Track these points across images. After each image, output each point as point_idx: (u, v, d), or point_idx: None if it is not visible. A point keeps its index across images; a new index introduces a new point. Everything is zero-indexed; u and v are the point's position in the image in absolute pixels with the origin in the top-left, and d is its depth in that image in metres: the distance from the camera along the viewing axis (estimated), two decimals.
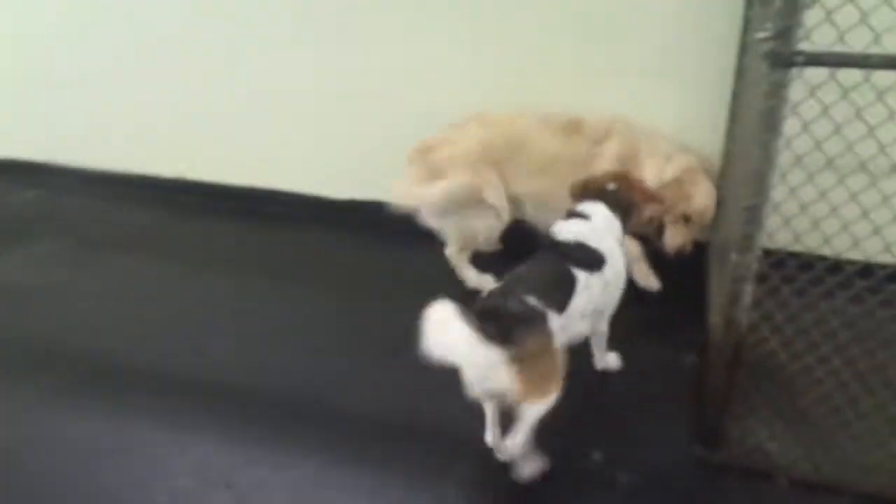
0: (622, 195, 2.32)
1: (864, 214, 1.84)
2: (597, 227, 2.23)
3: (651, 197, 2.43)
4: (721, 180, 3.01)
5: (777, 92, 1.66)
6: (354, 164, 3.54)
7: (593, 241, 2.16)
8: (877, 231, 1.83)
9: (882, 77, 1.63)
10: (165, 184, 4.13)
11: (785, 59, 1.61)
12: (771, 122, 1.70)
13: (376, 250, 3.39)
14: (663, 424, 2.34)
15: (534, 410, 1.93)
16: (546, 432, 2.31)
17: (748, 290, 1.92)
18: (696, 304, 2.87)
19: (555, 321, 1.94)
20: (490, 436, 2.16)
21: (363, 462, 2.24)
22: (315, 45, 3.44)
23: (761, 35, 1.77)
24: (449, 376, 2.14)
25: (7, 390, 2.63)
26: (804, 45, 1.65)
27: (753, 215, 1.80)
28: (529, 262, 2.13)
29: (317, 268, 3.38)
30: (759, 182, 1.76)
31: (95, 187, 4.28)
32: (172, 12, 3.65)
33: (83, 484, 2.21)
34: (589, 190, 2.35)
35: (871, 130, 1.76)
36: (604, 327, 2.42)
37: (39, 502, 2.16)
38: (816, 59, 1.60)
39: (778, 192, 1.80)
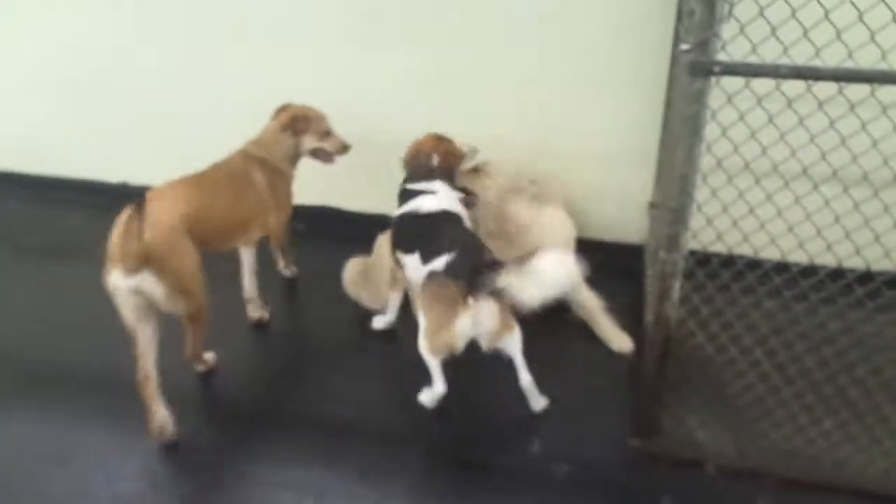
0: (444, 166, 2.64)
1: (779, 214, 1.96)
2: (443, 196, 2.54)
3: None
4: (655, 186, 3.15)
5: (698, 99, 1.78)
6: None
7: (451, 208, 2.50)
8: (790, 229, 1.96)
9: (791, 86, 1.75)
10: (107, 189, 4.06)
11: (704, 68, 1.73)
12: (693, 127, 1.81)
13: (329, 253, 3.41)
14: (600, 418, 2.44)
15: (516, 343, 2.31)
16: (483, 425, 2.40)
17: (676, 287, 2.03)
18: (634, 305, 3.00)
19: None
20: (441, 386, 2.35)
21: (312, 460, 2.26)
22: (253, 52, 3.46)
23: (683, 47, 1.89)
24: (391, 378, 2.21)
25: None
26: (721, 57, 1.77)
27: (679, 215, 1.91)
28: (434, 232, 2.38)
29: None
30: (684, 184, 1.88)
31: (32, 192, 4.17)
32: (115, 19, 3.62)
33: (26, 490, 2.18)
34: (421, 171, 2.63)
35: (783, 135, 1.90)
36: None
37: None
38: (732, 69, 1.73)
39: (701, 194, 1.92)
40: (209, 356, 2.65)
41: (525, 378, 2.37)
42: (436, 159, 2.63)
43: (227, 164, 2.70)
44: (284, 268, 3.25)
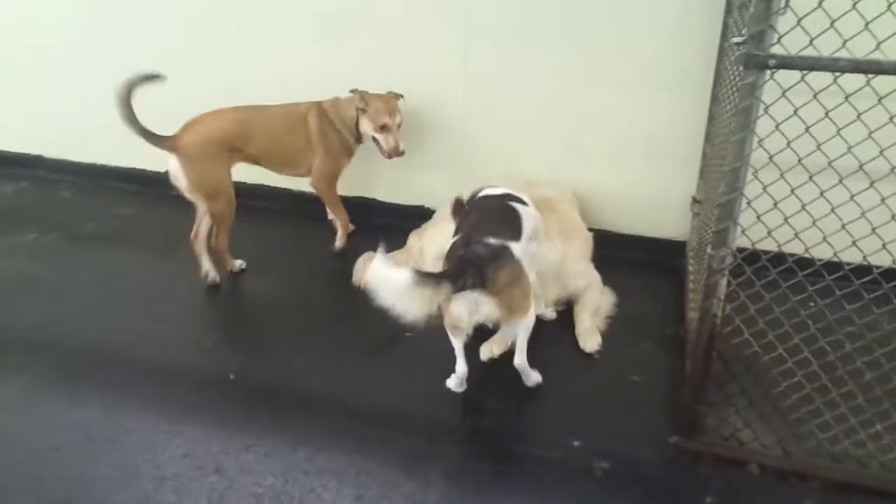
0: None
1: (832, 211, 1.92)
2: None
3: None
4: (699, 182, 3.11)
5: (751, 93, 1.75)
6: None
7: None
8: (843, 227, 1.91)
9: (849, 80, 1.71)
10: (154, 178, 4.15)
11: (758, 62, 1.70)
12: (745, 121, 1.78)
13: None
14: (641, 414, 2.42)
15: (522, 327, 2.34)
16: (523, 418, 2.40)
17: (723, 284, 2.00)
18: (675, 301, 2.97)
19: (517, 247, 2.29)
20: (461, 367, 2.43)
21: (351, 449, 2.29)
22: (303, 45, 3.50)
23: (737, 39, 1.86)
24: (429, 368, 2.21)
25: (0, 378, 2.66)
26: (776, 50, 1.74)
27: (728, 211, 1.88)
28: (474, 213, 2.47)
29: (299, 259, 3.44)
30: (734, 179, 1.85)
31: (82, 180, 4.30)
32: (167, 12, 3.69)
33: (74, 470, 2.24)
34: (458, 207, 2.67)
35: (839, 131, 1.85)
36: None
37: (30, 489, 2.18)
38: (788, 63, 1.69)
39: (751, 190, 1.89)
40: (238, 263, 3.28)
41: (518, 358, 2.43)
42: None
43: (290, 105, 3.22)
44: (337, 241, 3.51)
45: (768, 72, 1.72)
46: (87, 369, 2.71)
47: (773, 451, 2.17)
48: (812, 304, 2.04)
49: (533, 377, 2.50)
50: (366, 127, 3.16)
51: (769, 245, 1.96)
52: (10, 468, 2.26)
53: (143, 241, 3.68)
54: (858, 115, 1.83)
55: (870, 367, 2.10)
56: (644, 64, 3.02)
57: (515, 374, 2.54)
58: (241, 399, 2.54)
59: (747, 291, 2.05)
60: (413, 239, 3.24)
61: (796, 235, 1.93)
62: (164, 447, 2.31)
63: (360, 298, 3.05)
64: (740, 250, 1.98)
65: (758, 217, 1.91)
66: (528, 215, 2.52)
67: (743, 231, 1.94)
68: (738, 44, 1.88)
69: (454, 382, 2.48)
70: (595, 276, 2.99)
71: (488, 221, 2.37)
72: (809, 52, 1.76)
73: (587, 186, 3.33)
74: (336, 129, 3.20)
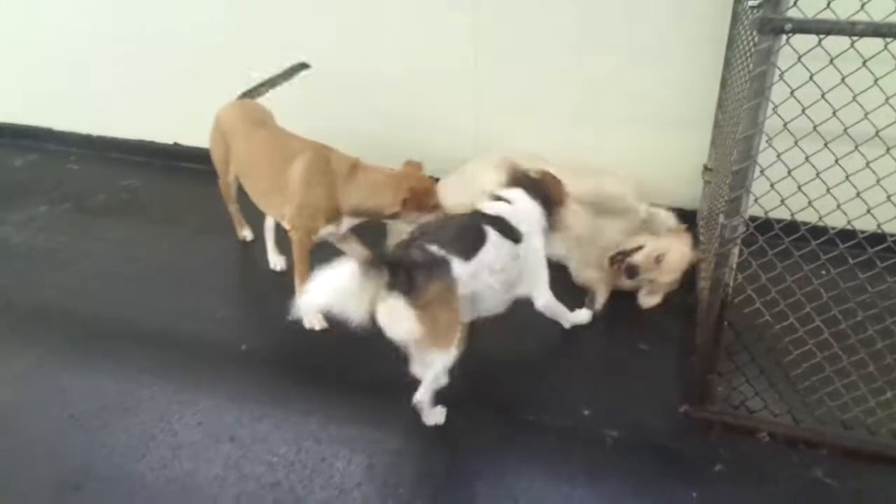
0: (542, 186, 2.43)
1: (847, 178, 1.89)
2: (517, 209, 2.34)
3: (565, 196, 2.51)
4: (711, 149, 3.07)
5: (766, 59, 1.71)
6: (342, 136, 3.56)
7: (513, 220, 2.29)
8: (858, 195, 1.89)
9: (867, 44, 1.67)
10: (160, 149, 4.16)
11: (774, 26, 1.66)
12: (759, 88, 1.75)
13: None
14: (651, 383, 2.43)
15: (438, 360, 2.09)
16: (534, 387, 2.41)
17: (734, 253, 1.99)
18: (686, 270, 2.95)
19: (460, 267, 2.07)
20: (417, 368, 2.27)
21: (363, 418, 2.32)
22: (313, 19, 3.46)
23: (752, 3, 1.82)
24: None
25: (13, 350, 2.69)
26: (793, 13, 1.70)
27: (741, 179, 1.86)
28: (444, 218, 2.30)
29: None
30: (747, 147, 1.82)
31: (90, 152, 4.30)
32: None
33: (91, 438, 2.28)
34: (513, 178, 2.47)
35: (856, 97, 1.82)
36: (546, 311, 2.51)
37: (48, 457, 2.22)
38: (804, 27, 1.65)
39: (764, 158, 1.86)
40: (246, 233, 3.26)
41: (419, 394, 2.19)
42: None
43: (285, 135, 2.78)
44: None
45: (784, 36, 1.69)
46: (101, 340, 2.74)
47: (782, 419, 2.18)
48: (824, 272, 2.03)
49: (432, 417, 2.25)
50: (413, 218, 2.54)
51: (782, 213, 1.95)
52: (28, 437, 2.30)
53: (152, 212, 3.69)
54: (876, 81, 1.80)
55: (882, 335, 2.10)
56: (654, 28, 2.96)
57: (525, 344, 2.55)
58: (253, 369, 2.56)
59: (759, 260, 2.04)
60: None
61: (810, 203, 1.92)
62: (179, 416, 2.34)
63: None
64: (753, 219, 1.97)
65: (771, 185, 1.89)
66: (498, 245, 2.22)
67: (756, 200, 1.92)
68: (753, 7, 1.85)
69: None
70: None
71: (445, 231, 2.15)
72: (826, 15, 1.72)
73: (596, 155, 3.28)
74: (332, 194, 2.55)
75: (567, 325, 2.64)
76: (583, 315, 2.69)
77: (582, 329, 2.66)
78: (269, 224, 3.08)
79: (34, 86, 4.26)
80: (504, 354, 2.59)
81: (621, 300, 2.81)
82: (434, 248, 2.04)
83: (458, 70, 3.33)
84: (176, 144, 4.13)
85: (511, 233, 2.26)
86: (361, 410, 2.35)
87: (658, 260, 2.73)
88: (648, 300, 2.80)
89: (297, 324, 2.68)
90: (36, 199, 3.79)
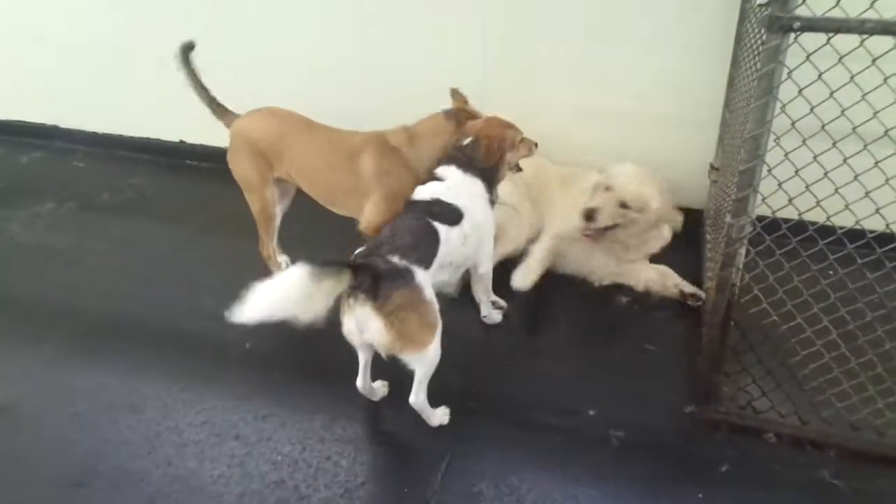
0: (474, 156, 2.42)
1: (856, 178, 1.88)
2: (451, 185, 2.37)
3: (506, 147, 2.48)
4: (717, 148, 3.05)
5: (774, 57, 1.70)
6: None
7: (448, 198, 2.33)
8: (867, 194, 1.87)
9: (876, 43, 1.66)
10: (166, 148, 4.16)
11: (783, 24, 1.65)
12: (767, 86, 1.74)
13: None
14: (657, 383, 2.42)
15: (418, 363, 2.11)
16: (540, 387, 2.41)
17: (741, 253, 1.98)
18: (691, 270, 2.95)
19: (422, 275, 2.08)
20: (360, 380, 2.31)
21: (367, 417, 2.32)
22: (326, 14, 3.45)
23: (761, 1, 1.81)
24: (447, 337, 2.21)
25: (19, 347, 2.69)
26: (801, 11, 1.69)
27: (748, 178, 1.85)
28: (395, 221, 2.27)
29: (322, 232, 3.42)
30: (755, 146, 1.81)
31: (96, 150, 4.31)
32: None
33: (96, 436, 2.29)
34: (443, 155, 2.48)
35: (864, 96, 1.80)
36: (481, 279, 2.59)
37: (54, 454, 2.23)
38: (813, 25, 1.64)
39: (772, 157, 1.85)
40: (282, 258, 2.99)
41: (413, 397, 2.18)
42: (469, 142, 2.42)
43: (342, 133, 2.67)
44: None
45: (792, 35, 1.67)
46: (105, 337, 2.74)
47: (789, 420, 2.17)
48: (832, 272, 2.02)
49: (435, 418, 2.26)
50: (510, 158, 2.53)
51: (790, 213, 1.93)
52: (33, 434, 2.31)
53: (158, 210, 3.69)
54: (885, 79, 1.78)
55: (890, 336, 2.09)
56: (661, 25, 2.95)
57: (530, 343, 2.54)
58: (257, 368, 2.56)
59: (766, 260, 2.02)
60: None
61: (818, 203, 1.90)
62: (184, 414, 2.35)
63: None
64: (760, 219, 1.95)
65: (779, 185, 1.88)
66: (449, 238, 2.25)
67: (763, 199, 1.91)
68: (761, 5, 1.83)
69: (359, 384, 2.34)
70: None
71: (402, 239, 2.12)
72: (835, 13, 1.71)
73: (602, 153, 3.27)
74: (408, 167, 2.56)
75: (483, 309, 2.68)
76: (495, 316, 2.70)
77: (587, 328, 2.65)
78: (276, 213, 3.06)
79: (41, 83, 4.28)
80: (509, 353, 2.58)
81: (627, 301, 2.80)
82: (396, 259, 2.04)
83: (465, 69, 3.32)
84: (181, 142, 4.14)
85: (452, 214, 2.30)
86: (366, 410, 2.35)
87: (623, 204, 2.74)
88: (654, 242, 2.84)
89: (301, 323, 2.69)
90: (42, 196, 3.80)
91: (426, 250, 2.16)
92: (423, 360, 2.11)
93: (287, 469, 2.14)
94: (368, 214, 2.58)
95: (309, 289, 1.79)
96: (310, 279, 1.78)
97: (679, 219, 3.03)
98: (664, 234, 2.94)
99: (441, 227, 2.24)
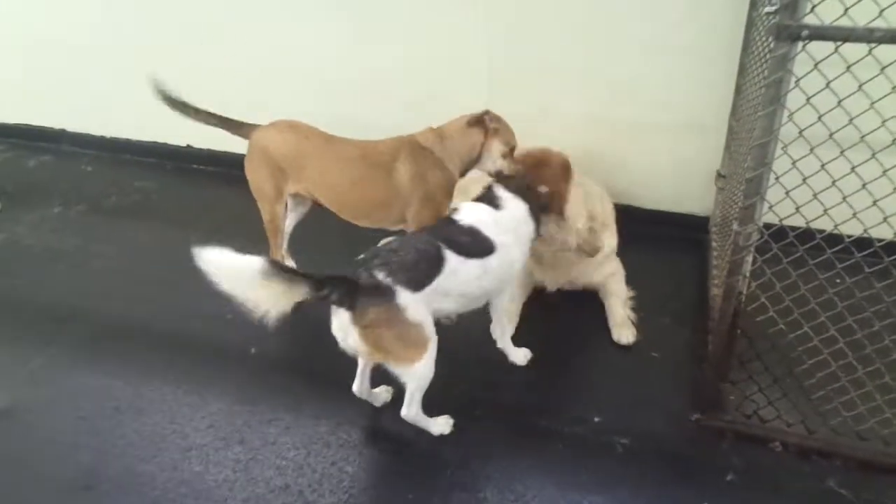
0: (540, 195, 2.39)
1: (864, 187, 1.87)
2: (504, 218, 2.29)
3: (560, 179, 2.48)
4: (724, 156, 3.05)
5: (782, 65, 1.70)
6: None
7: (490, 230, 2.23)
8: (875, 203, 1.87)
9: (885, 51, 1.65)
10: (173, 152, 4.18)
11: (791, 32, 1.65)
12: (775, 94, 1.74)
13: None
14: (662, 391, 2.41)
15: (406, 376, 2.10)
16: (543, 395, 2.40)
17: (748, 260, 1.98)
18: (697, 277, 2.94)
19: (406, 296, 2.01)
20: (356, 384, 2.31)
21: (373, 424, 2.32)
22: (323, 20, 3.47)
23: (769, 9, 1.80)
24: (453, 344, 2.20)
25: (25, 350, 2.70)
26: (810, 20, 1.69)
27: (755, 186, 1.85)
28: (412, 235, 2.22)
29: (325, 236, 3.43)
30: (762, 154, 1.81)
31: (103, 154, 4.33)
32: None
33: (102, 439, 2.29)
34: (513, 181, 2.41)
35: (873, 104, 1.80)
36: (499, 315, 2.49)
37: (60, 457, 2.23)
38: (822, 34, 1.64)
39: (779, 165, 1.85)
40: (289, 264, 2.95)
41: (404, 410, 2.18)
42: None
43: (369, 145, 2.62)
44: None
45: (800, 43, 1.67)
46: (112, 340, 2.75)
47: (796, 429, 2.16)
48: (840, 281, 2.01)
49: (436, 427, 2.25)
50: (495, 152, 2.55)
51: (797, 221, 1.93)
52: (40, 437, 2.31)
53: (164, 214, 3.70)
54: (894, 88, 1.77)
55: None
56: (668, 33, 2.95)
57: (536, 350, 2.54)
58: (262, 373, 2.56)
59: (773, 268, 2.02)
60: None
61: (826, 211, 1.89)
62: (189, 418, 2.35)
63: None
64: (767, 226, 1.95)
65: (786, 193, 1.88)
66: (458, 271, 2.14)
67: (770, 207, 1.90)
68: (769, 14, 1.83)
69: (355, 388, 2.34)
70: (620, 266, 2.89)
71: (398, 256, 2.07)
72: (843, 21, 1.71)
73: (607, 160, 3.28)
74: (441, 166, 2.55)
75: (499, 343, 2.56)
76: (521, 355, 2.57)
77: (592, 337, 2.65)
78: (285, 226, 3.07)
79: (49, 88, 4.30)
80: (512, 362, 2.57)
81: (635, 312, 2.79)
82: (381, 275, 2.00)
83: (472, 72, 3.33)
84: (189, 147, 4.15)
85: (479, 247, 2.20)
86: (371, 415, 2.35)
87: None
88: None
89: (307, 327, 2.69)
90: (50, 200, 3.82)
91: (421, 273, 2.07)
92: (411, 376, 2.10)
93: (292, 474, 2.14)
94: (418, 223, 2.55)
95: (255, 281, 1.82)
96: (259, 273, 1.81)
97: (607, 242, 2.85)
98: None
99: (452, 257, 2.13)
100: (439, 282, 2.10)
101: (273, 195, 2.70)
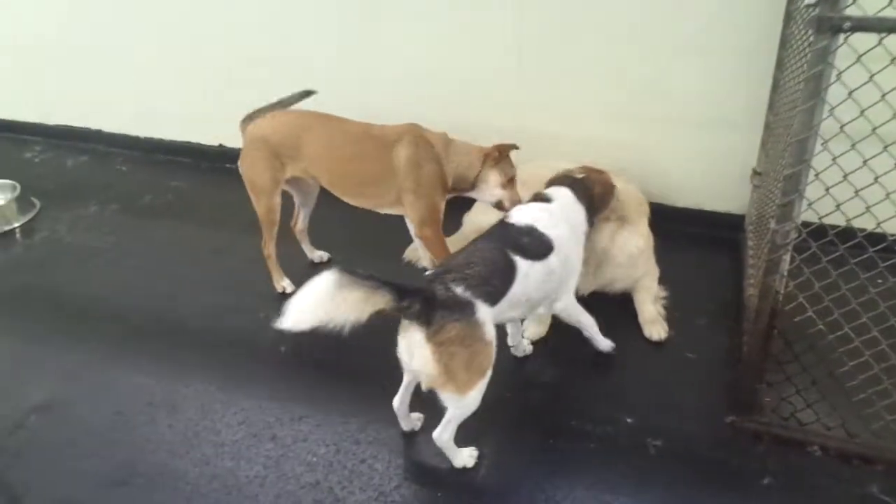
0: (589, 186, 2.39)
1: None
2: (554, 211, 2.27)
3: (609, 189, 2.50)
4: (760, 153, 2.99)
5: (823, 59, 1.65)
6: None
7: (545, 227, 2.19)
8: None
9: None
10: (205, 151, 4.24)
11: (832, 25, 1.60)
12: (815, 89, 1.70)
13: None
14: (696, 392, 2.37)
15: (453, 404, 1.99)
16: (576, 394, 2.37)
17: (786, 259, 1.93)
18: (733, 277, 2.89)
19: (485, 311, 1.95)
20: (397, 399, 2.21)
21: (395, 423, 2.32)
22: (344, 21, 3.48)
23: (808, 1, 1.76)
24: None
25: (63, 346, 2.76)
26: (852, 11, 1.64)
27: (794, 183, 1.80)
28: (475, 244, 2.14)
29: (354, 234, 3.45)
30: (801, 150, 1.77)
31: (138, 154, 4.41)
32: None
33: (137, 434, 2.33)
34: (558, 177, 2.44)
35: None
36: (559, 315, 2.42)
37: (96, 451, 2.27)
38: (864, 25, 1.59)
39: (818, 161, 1.80)
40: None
41: (437, 432, 2.06)
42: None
43: (375, 126, 2.71)
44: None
45: (842, 36, 1.62)
46: (146, 337, 2.79)
47: (836, 432, 2.10)
48: (881, 280, 1.95)
49: (459, 459, 2.14)
50: (493, 180, 2.63)
51: (837, 219, 1.87)
52: (76, 432, 2.36)
53: (198, 213, 3.75)
54: None
55: None
56: (704, 28, 2.90)
57: (567, 349, 2.51)
58: (294, 370, 2.59)
59: (812, 268, 1.97)
60: (467, 219, 3.20)
61: (868, 209, 1.84)
62: (222, 415, 2.37)
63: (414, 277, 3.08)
64: (805, 224, 1.90)
65: (826, 190, 1.83)
66: (528, 275, 2.10)
67: (810, 204, 1.86)
68: (809, 6, 1.78)
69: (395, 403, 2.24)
70: (653, 266, 2.82)
71: (473, 269, 1.99)
72: (888, 13, 1.65)
73: (642, 157, 3.23)
74: (438, 163, 2.63)
75: (589, 335, 2.49)
76: (606, 343, 2.52)
77: (626, 337, 2.61)
78: (301, 227, 3.14)
79: (85, 89, 4.39)
80: (546, 359, 2.55)
81: (666, 308, 2.74)
82: (459, 290, 1.92)
83: (501, 70, 3.31)
84: (221, 146, 4.20)
85: (541, 246, 2.15)
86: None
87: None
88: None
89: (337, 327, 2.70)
90: (86, 199, 3.90)
91: (497, 285, 2.01)
92: (460, 404, 1.99)
93: (322, 471, 2.15)
94: (414, 215, 2.69)
95: (335, 296, 1.75)
96: (335, 287, 1.75)
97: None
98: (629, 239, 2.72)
99: (522, 262, 2.08)
100: (514, 290, 2.06)
101: (270, 187, 2.76)
